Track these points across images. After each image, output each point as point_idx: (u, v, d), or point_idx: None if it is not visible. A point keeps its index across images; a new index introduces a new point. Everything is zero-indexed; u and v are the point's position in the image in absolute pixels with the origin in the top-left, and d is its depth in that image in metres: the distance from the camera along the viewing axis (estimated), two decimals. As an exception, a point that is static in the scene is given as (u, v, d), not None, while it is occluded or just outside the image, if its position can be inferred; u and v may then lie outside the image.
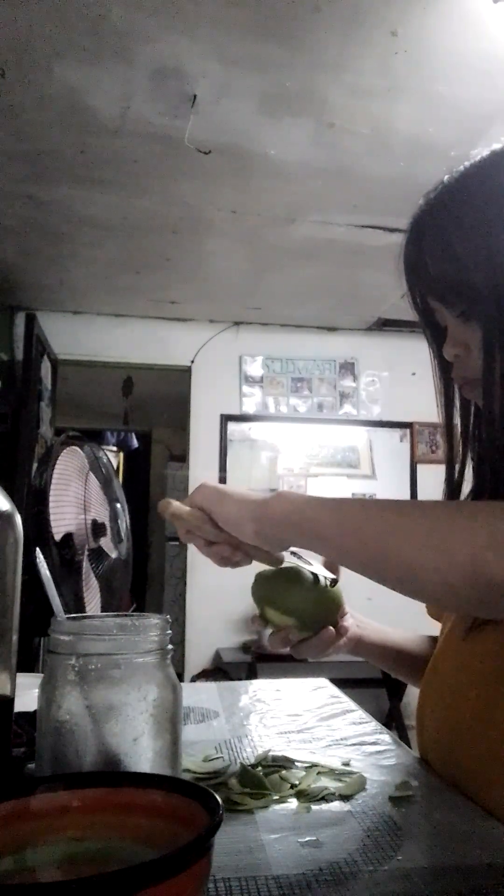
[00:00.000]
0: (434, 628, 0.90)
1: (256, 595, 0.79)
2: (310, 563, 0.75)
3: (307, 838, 0.54)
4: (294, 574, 0.77)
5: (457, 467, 0.79)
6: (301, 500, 0.65)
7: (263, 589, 0.78)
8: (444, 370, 0.78)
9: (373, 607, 0.99)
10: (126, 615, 0.58)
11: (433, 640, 0.94)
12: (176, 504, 0.73)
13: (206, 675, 3.76)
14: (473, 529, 0.54)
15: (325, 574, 0.77)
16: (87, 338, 4.03)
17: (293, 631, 0.78)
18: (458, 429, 0.79)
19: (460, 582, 0.53)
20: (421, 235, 0.72)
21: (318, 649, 0.80)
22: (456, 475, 0.78)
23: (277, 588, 0.78)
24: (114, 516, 1.31)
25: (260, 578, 0.79)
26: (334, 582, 0.78)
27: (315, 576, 0.76)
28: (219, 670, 3.77)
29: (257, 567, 0.78)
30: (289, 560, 0.75)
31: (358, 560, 0.60)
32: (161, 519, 0.73)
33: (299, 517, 0.63)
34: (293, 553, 0.75)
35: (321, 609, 0.78)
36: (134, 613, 0.60)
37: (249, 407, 4.12)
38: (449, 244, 0.68)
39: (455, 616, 0.78)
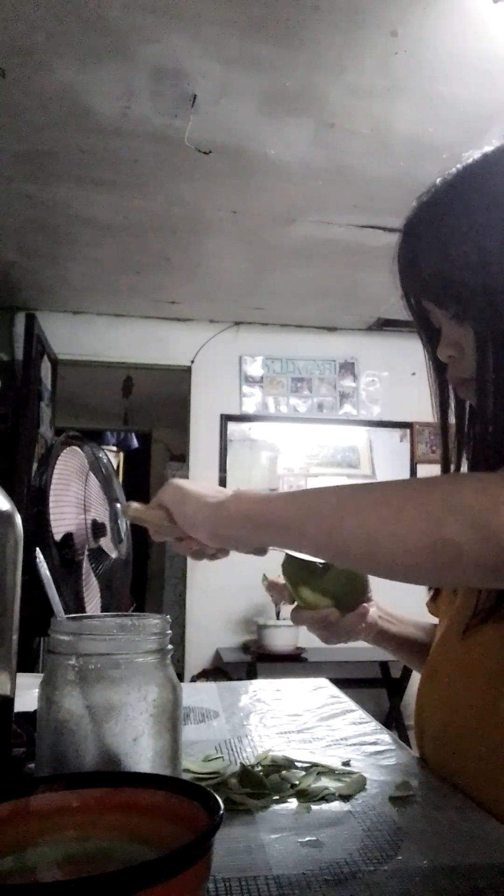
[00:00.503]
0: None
1: (289, 574, 0.79)
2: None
3: (307, 838, 0.54)
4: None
5: (451, 468, 0.79)
6: (256, 496, 0.64)
7: (296, 568, 0.78)
8: (440, 371, 0.79)
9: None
10: (126, 615, 0.58)
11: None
12: (135, 506, 0.74)
13: (206, 675, 3.76)
14: (431, 496, 0.54)
15: (315, 560, 0.78)
16: (87, 338, 4.03)
17: (330, 611, 0.78)
18: (454, 429, 0.80)
19: (420, 547, 0.52)
20: (414, 237, 0.72)
21: (352, 629, 0.80)
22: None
23: (311, 567, 0.78)
24: (114, 516, 1.31)
25: (291, 557, 0.79)
26: (327, 566, 0.78)
27: None
28: (219, 670, 3.76)
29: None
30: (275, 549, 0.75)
31: (318, 542, 0.60)
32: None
33: (254, 512, 0.63)
34: None
35: (354, 588, 0.79)
36: (134, 613, 0.60)
37: (249, 407, 4.12)
38: (442, 245, 0.69)
39: (451, 614, 0.78)
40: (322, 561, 0.77)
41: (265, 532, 0.63)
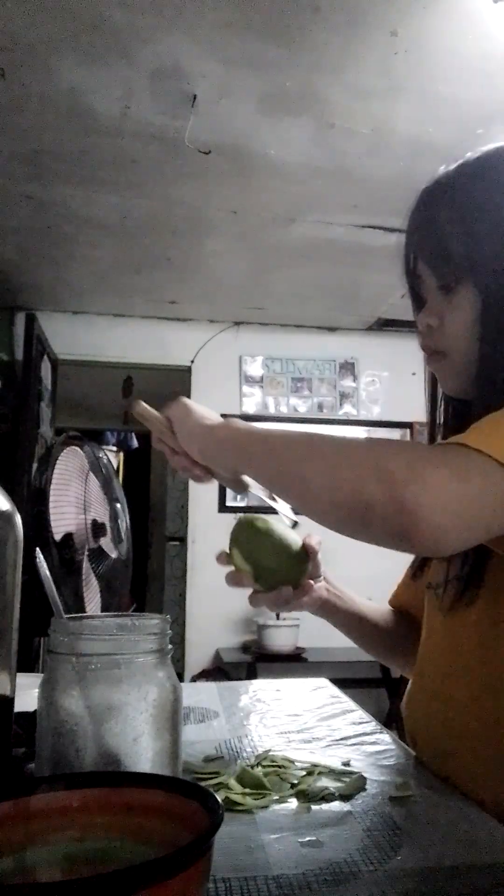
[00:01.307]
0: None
1: (232, 533, 0.83)
2: (275, 500, 0.78)
3: (307, 838, 0.54)
4: (269, 528, 0.82)
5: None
6: (242, 427, 0.71)
7: (237, 531, 0.83)
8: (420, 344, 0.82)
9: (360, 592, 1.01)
10: (126, 615, 0.58)
11: (401, 615, 0.98)
12: (145, 406, 0.81)
13: (206, 675, 3.76)
14: (366, 457, 0.59)
15: (288, 515, 0.81)
16: (87, 338, 4.03)
17: (248, 579, 0.81)
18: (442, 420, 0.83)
19: (343, 502, 0.58)
20: (434, 203, 0.75)
21: (272, 604, 0.84)
22: None
23: (249, 534, 0.82)
24: (114, 516, 1.31)
25: (241, 520, 0.84)
26: (294, 524, 0.82)
27: (283, 540, 0.81)
28: (219, 670, 3.76)
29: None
30: (255, 492, 0.79)
31: (271, 479, 0.68)
32: (133, 420, 0.80)
33: (234, 440, 0.71)
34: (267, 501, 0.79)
35: (281, 569, 0.82)
36: (134, 613, 0.60)
37: (249, 407, 4.11)
38: (462, 217, 0.71)
39: (431, 608, 0.79)
40: (281, 534, 0.81)
41: (238, 460, 0.71)
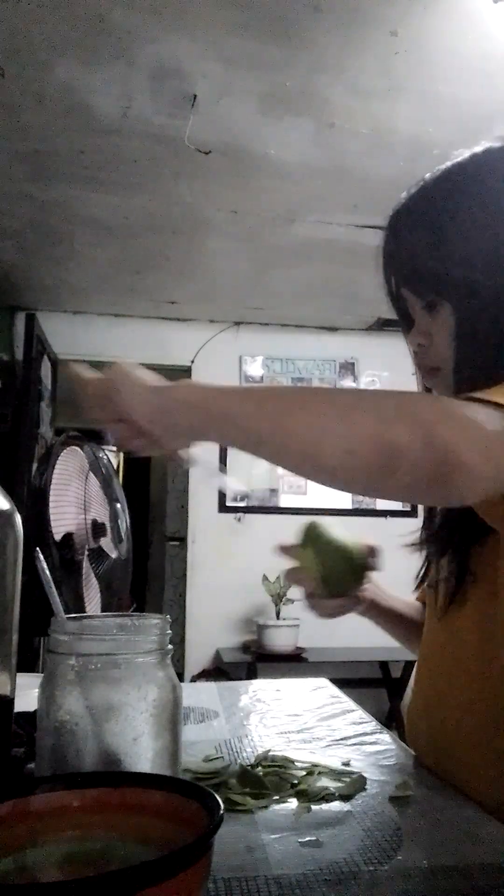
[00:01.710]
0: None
1: (308, 530, 0.82)
2: (224, 473, 0.78)
3: (307, 838, 0.54)
4: (339, 536, 0.82)
5: None
6: (208, 386, 0.62)
7: (311, 532, 0.82)
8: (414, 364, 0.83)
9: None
10: (126, 615, 0.58)
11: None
12: (83, 370, 0.71)
13: (206, 675, 3.75)
14: (384, 402, 0.55)
15: (237, 487, 0.81)
16: (87, 338, 4.03)
17: (311, 581, 0.81)
18: None
19: (363, 448, 0.52)
20: (400, 228, 0.76)
21: (329, 611, 0.85)
22: None
23: (323, 539, 0.81)
24: (114, 516, 1.31)
25: (312, 523, 0.83)
26: (240, 517, 0.81)
27: (353, 548, 0.81)
28: (219, 670, 3.76)
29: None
30: (200, 464, 0.74)
31: (261, 438, 0.57)
32: (71, 383, 0.69)
33: (203, 400, 0.60)
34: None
35: (348, 578, 0.82)
36: (134, 613, 0.60)
37: (249, 407, 4.11)
38: (426, 238, 0.72)
39: (431, 607, 0.80)
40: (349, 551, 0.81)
41: (210, 423, 0.60)
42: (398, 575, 0.97)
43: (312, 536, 0.82)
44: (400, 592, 1.03)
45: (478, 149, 0.75)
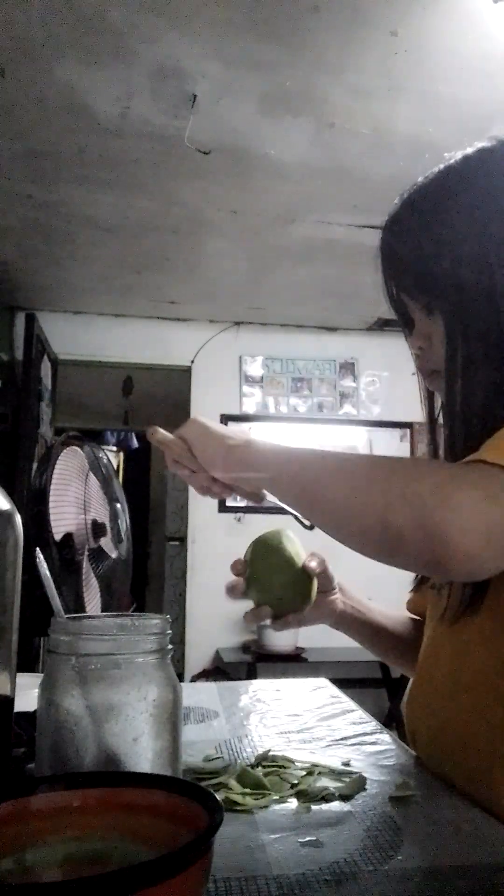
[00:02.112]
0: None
1: (254, 546, 0.85)
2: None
3: (307, 838, 0.54)
4: (275, 549, 0.83)
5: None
6: (260, 449, 0.72)
7: (264, 545, 0.85)
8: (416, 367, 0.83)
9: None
10: (126, 615, 0.58)
11: (417, 624, 0.96)
12: (163, 432, 0.81)
13: (206, 675, 3.76)
14: (392, 480, 0.58)
15: (303, 520, 0.81)
16: (87, 338, 4.03)
17: (267, 610, 0.83)
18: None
19: (371, 527, 0.57)
20: (395, 231, 0.76)
21: (289, 627, 0.85)
22: None
23: (260, 567, 0.83)
24: (114, 516, 1.31)
25: (253, 547, 0.86)
26: (311, 527, 0.81)
27: (290, 558, 0.82)
28: (219, 670, 3.76)
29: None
30: (270, 500, 0.79)
31: (297, 502, 0.68)
32: (153, 445, 0.82)
33: (256, 461, 0.71)
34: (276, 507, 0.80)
35: (293, 594, 0.83)
36: (134, 613, 0.60)
37: (249, 407, 4.11)
38: (419, 241, 0.72)
39: (436, 617, 0.78)
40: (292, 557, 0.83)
41: (265, 484, 0.72)
42: (402, 577, 0.96)
43: (257, 553, 0.84)
44: (398, 594, 1.02)
45: (470, 150, 0.75)
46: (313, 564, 0.83)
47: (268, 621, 0.84)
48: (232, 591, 0.86)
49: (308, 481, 0.65)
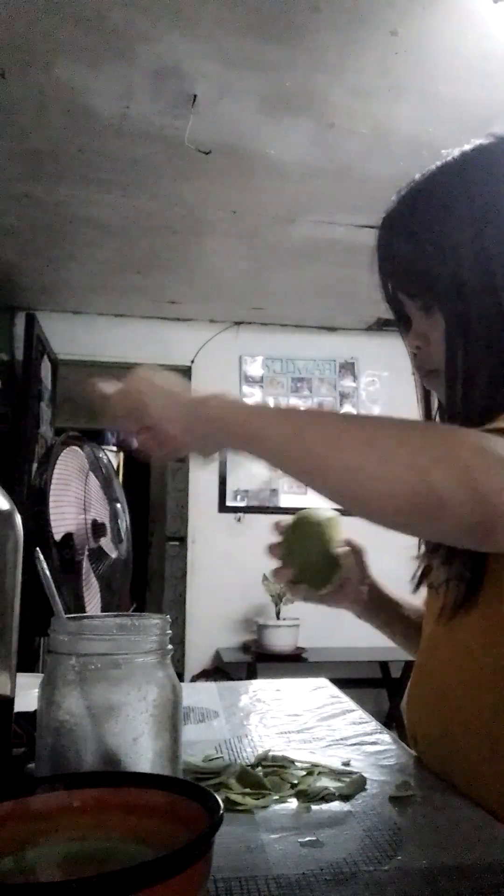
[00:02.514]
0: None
1: (296, 520, 0.85)
2: None
3: (307, 838, 0.54)
4: (313, 525, 0.83)
5: None
6: (240, 403, 0.63)
7: (304, 520, 0.85)
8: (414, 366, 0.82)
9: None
10: (126, 615, 0.58)
11: None
12: (103, 385, 0.69)
13: (206, 675, 3.76)
14: (425, 441, 0.53)
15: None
16: (87, 338, 4.03)
17: (288, 572, 0.83)
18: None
19: (405, 492, 0.51)
20: (391, 229, 0.75)
21: (307, 600, 0.86)
22: None
23: (293, 539, 0.84)
24: (114, 516, 1.31)
25: (297, 517, 0.85)
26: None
27: (325, 539, 0.83)
28: (219, 670, 3.76)
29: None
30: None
31: (300, 470, 0.58)
32: (91, 399, 0.69)
33: (238, 420, 0.60)
34: None
35: (312, 574, 0.84)
36: (134, 613, 0.60)
37: (249, 407, 4.11)
38: (416, 239, 0.72)
39: (432, 614, 0.79)
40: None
41: (244, 443, 0.60)
42: (405, 575, 0.95)
43: (297, 526, 0.84)
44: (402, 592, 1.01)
45: (468, 147, 0.74)
46: (341, 551, 0.83)
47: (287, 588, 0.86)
48: (272, 550, 0.85)
49: (317, 445, 0.56)
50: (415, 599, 0.97)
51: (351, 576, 0.88)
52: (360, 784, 0.65)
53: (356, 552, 0.88)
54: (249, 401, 0.73)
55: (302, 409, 0.63)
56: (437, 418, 0.82)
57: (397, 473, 0.52)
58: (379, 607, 0.93)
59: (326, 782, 0.66)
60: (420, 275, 0.72)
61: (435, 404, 0.83)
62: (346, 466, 0.54)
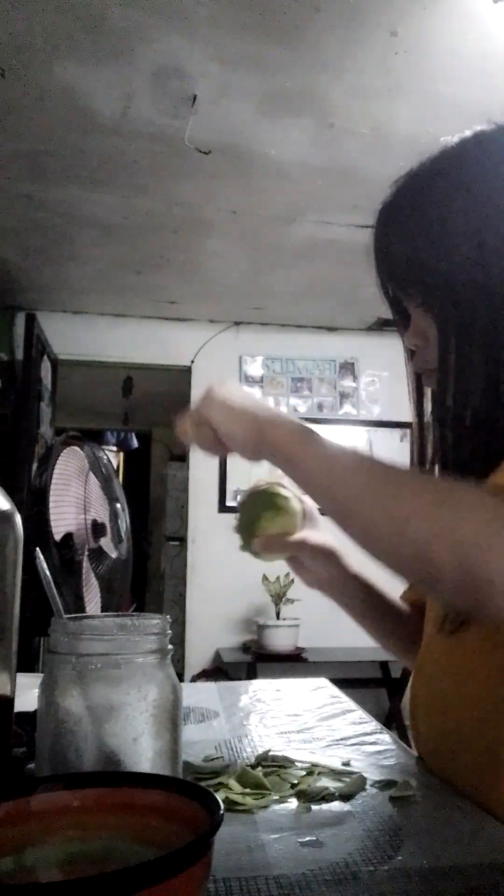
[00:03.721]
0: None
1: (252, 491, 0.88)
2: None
3: (307, 838, 0.54)
4: (261, 491, 0.86)
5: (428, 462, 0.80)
6: (305, 436, 0.65)
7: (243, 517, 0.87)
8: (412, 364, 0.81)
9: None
10: (126, 615, 0.58)
11: (416, 609, 0.93)
12: (184, 423, 0.75)
13: (206, 675, 3.76)
14: (432, 513, 0.54)
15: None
16: (87, 338, 4.03)
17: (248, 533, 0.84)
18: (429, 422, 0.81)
19: (409, 558, 0.55)
20: (386, 223, 0.73)
21: (273, 549, 0.85)
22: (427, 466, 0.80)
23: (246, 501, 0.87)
24: (114, 516, 1.31)
25: (244, 500, 0.89)
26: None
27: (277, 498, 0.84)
28: (219, 670, 3.76)
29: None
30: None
31: (330, 508, 0.61)
32: (182, 442, 0.76)
33: (288, 453, 0.65)
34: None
35: (271, 515, 0.85)
36: (134, 613, 0.60)
37: (249, 407, 4.11)
38: (410, 233, 0.70)
39: (437, 612, 0.78)
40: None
41: (292, 471, 0.65)
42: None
43: (245, 495, 0.87)
44: (395, 583, 0.99)
45: (468, 133, 0.72)
46: (288, 502, 0.84)
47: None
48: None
49: (343, 492, 0.60)
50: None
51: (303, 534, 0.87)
52: (360, 784, 0.65)
53: (309, 518, 0.87)
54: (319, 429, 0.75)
55: (348, 450, 0.64)
56: (431, 420, 0.81)
57: (403, 539, 0.55)
58: (349, 566, 0.88)
59: (326, 782, 0.66)
60: (413, 266, 0.70)
61: (428, 407, 0.82)
62: (369, 519, 0.58)
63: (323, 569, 0.87)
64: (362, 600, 0.90)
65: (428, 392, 0.81)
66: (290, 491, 0.85)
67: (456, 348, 0.68)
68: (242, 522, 0.86)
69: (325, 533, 0.88)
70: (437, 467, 0.78)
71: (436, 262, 0.68)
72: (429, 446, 0.81)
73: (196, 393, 4.06)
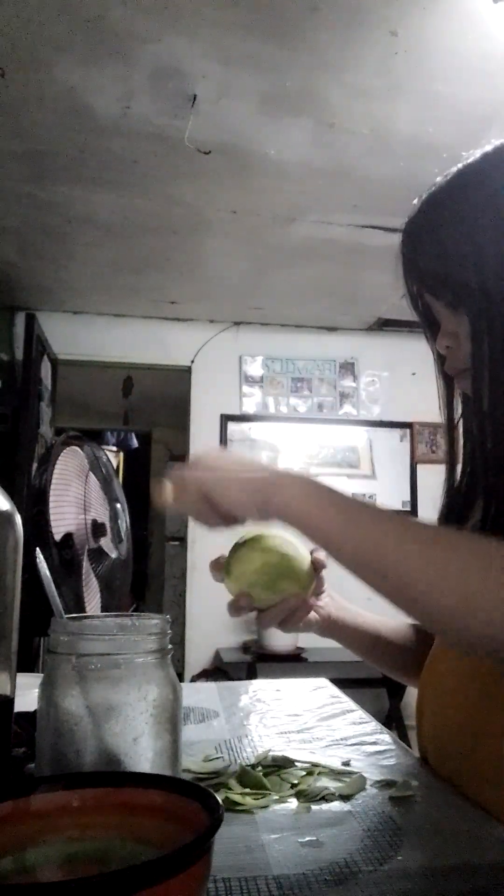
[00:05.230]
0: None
1: (245, 536, 0.78)
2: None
3: (307, 838, 0.54)
4: (263, 538, 0.76)
5: (458, 467, 0.80)
6: (304, 493, 0.63)
7: (256, 536, 0.77)
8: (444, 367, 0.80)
9: (372, 606, 0.99)
10: (126, 615, 0.58)
11: (417, 629, 0.93)
12: (168, 488, 0.71)
13: (206, 675, 3.76)
14: (474, 566, 0.55)
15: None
16: (87, 338, 4.03)
17: (248, 596, 0.76)
18: (461, 428, 0.81)
19: (440, 620, 0.57)
20: (414, 234, 0.75)
21: (280, 616, 0.78)
22: (458, 475, 0.80)
23: (241, 549, 0.77)
24: (114, 516, 1.31)
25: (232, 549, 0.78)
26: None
27: (282, 546, 0.76)
28: (219, 670, 3.76)
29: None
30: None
31: (356, 566, 0.60)
32: (159, 508, 0.71)
33: (301, 513, 0.63)
34: None
35: (277, 571, 0.75)
36: (134, 613, 0.60)
37: (249, 407, 4.11)
38: (440, 241, 0.71)
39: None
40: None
41: (307, 533, 0.63)
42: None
43: (249, 539, 0.78)
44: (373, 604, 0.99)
45: (489, 147, 0.74)
46: (321, 556, 0.78)
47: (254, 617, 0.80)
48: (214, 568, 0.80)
49: (372, 556, 0.59)
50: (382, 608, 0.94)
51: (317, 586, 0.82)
52: (360, 784, 0.65)
53: (318, 563, 0.81)
54: (319, 477, 0.71)
55: (363, 504, 0.62)
56: (461, 423, 0.81)
57: (442, 604, 0.56)
58: (346, 621, 0.88)
59: (326, 782, 0.66)
60: (444, 274, 0.71)
61: (458, 410, 0.82)
62: (400, 581, 0.58)
63: (323, 634, 0.88)
64: (367, 646, 0.91)
65: (458, 395, 0.81)
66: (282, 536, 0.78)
67: (488, 346, 0.68)
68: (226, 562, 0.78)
69: (323, 597, 0.85)
70: (467, 469, 0.78)
71: (463, 271, 0.69)
72: (458, 449, 0.80)
73: (196, 393, 4.07)
